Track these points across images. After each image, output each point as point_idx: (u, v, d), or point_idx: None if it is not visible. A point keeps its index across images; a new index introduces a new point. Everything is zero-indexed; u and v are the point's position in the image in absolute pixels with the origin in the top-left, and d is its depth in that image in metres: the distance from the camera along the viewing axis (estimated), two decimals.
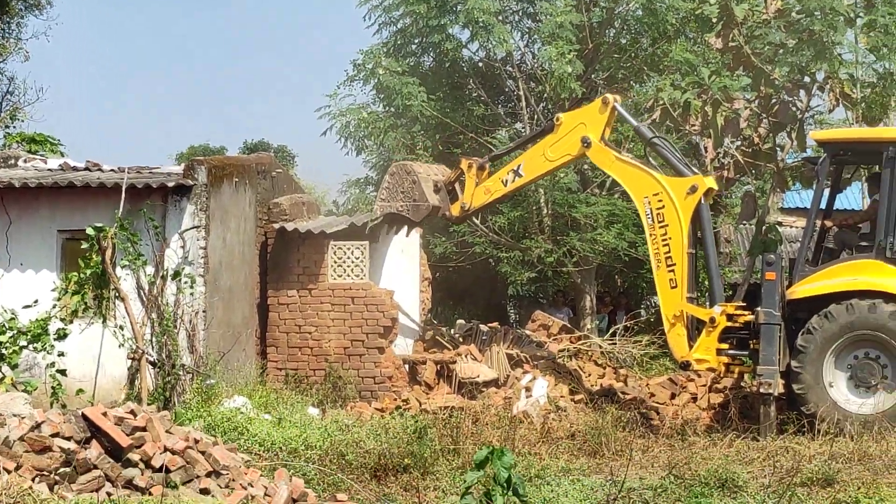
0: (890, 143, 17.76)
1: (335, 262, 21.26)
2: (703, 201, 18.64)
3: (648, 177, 19.00)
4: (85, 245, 17.93)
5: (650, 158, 19.53)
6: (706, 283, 19.84)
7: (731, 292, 21.70)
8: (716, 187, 19.34)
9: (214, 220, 19.29)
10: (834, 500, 12.27)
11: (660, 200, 18.73)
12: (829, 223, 19.08)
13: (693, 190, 18.59)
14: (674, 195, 18.65)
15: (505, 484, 7.07)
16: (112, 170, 20.35)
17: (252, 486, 12.47)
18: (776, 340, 17.45)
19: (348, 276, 21.19)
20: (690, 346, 18.33)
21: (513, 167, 20.32)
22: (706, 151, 22.81)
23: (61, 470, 11.70)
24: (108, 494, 11.43)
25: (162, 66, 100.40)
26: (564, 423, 17.83)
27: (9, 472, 11.45)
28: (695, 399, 19.97)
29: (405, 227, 22.08)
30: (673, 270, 18.53)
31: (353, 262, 21.22)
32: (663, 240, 18.64)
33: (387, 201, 20.89)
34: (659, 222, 18.69)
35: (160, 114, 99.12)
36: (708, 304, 18.85)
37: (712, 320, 18.16)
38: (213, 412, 16.11)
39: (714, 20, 22.22)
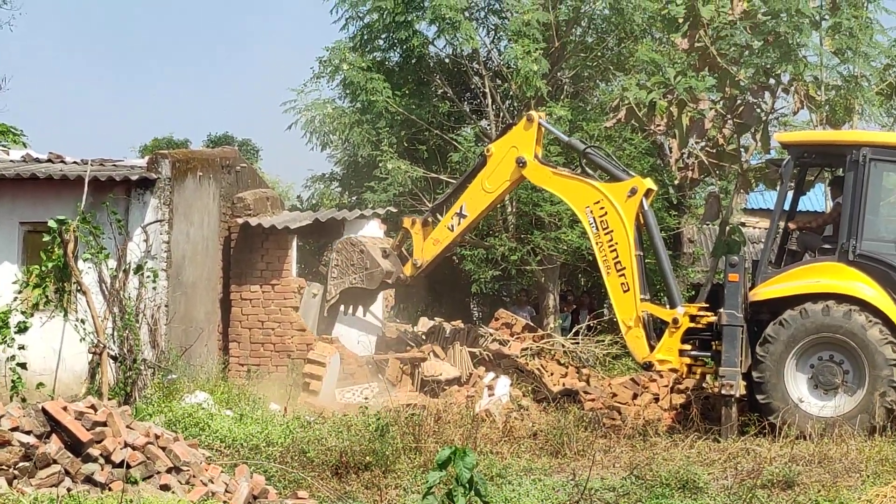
0: (853, 146, 17.79)
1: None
2: (644, 203, 18.71)
3: (587, 186, 19.07)
4: (47, 238, 17.79)
5: (587, 170, 19.59)
6: (660, 285, 19.81)
7: (693, 293, 21.71)
8: (655, 188, 19.46)
9: (178, 214, 19.21)
10: (794, 503, 12.30)
11: (601, 208, 18.80)
12: (792, 225, 19.12)
13: (633, 192, 18.68)
14: (614, 200, 18.72)
15: (467, 484, 7.06)
16: (75, 162, 20.23)
17: (213, 483, 12.42)
18: (738, 342, 17.42)
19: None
20: (650, 347, 18.35)
21: (455, 210, 20.26)
22: (671, 152, 22.89)
23: (20, 464, 11.62)
24: (68, 490, 11.36)
25: (127, 58, 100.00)
26: (526, 423, 17.81)
27: None
28: (657, 399, 20.00)
29: (360, 308, 21.63)
30: (623, 274, 18.55)
31: None
32: (610, 246, 18.69)
33: (339, 279, 20.76)
34: (603, 229, 18.75)
35: (124, 105, 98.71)
36: (668, 305, 18.86)
37: (675, 321, 18.17)
38: (174, 408, 16.05)
39: (680, 20, 22.30)
